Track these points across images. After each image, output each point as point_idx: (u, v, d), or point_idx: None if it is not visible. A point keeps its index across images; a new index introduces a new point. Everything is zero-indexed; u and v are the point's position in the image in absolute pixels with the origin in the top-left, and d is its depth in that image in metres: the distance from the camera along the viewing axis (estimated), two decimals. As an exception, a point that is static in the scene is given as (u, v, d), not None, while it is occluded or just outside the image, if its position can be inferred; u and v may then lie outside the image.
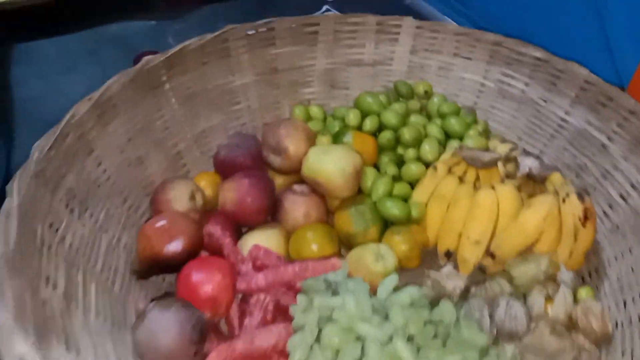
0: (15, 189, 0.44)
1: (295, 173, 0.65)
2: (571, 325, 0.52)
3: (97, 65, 0.93)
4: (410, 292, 0.50)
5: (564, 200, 0.54)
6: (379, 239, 0.61)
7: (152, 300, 0.48)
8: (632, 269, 0.54)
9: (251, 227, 0.62)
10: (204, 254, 0.57)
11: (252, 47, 0.70)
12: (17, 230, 0.41)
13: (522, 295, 0.54)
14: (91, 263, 0.50)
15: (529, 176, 0.59)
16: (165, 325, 0.44)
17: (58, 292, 0.43)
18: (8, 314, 0.35)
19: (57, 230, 0.47)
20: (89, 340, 0.42)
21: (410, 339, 0.47)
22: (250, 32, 0.69)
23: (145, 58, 0.61)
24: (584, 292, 0.54)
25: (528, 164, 0.59)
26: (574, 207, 0.53)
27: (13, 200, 0.43)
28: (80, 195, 0.52)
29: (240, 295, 0.57)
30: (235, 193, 0.59)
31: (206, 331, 0.47)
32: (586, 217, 0.53)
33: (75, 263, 0.47)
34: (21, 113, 0.86)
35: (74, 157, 0.52)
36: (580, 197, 0.53)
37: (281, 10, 0.76)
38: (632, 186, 0.57)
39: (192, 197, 0.60)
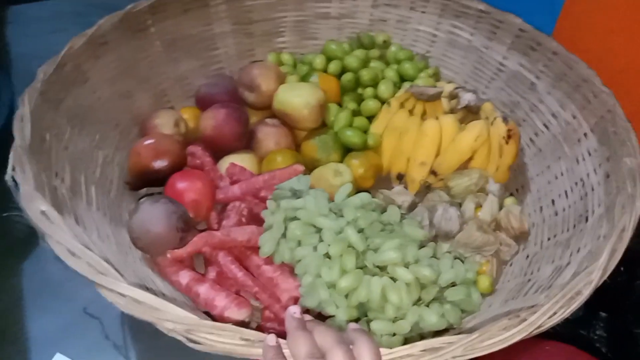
0: (26, 101, 0.52)
1: (267, 109, 0.74)
2: (496, 227, 0.63)
3: (85, 27, 1.01)
4: (361, 196, 0.60)
5: (492, 124, 0.64)
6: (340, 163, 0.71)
7: (143, 197, 0.57)
8: (549, 182, 0.64)
9: (228, 153, 0.71)
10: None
11: (230, -2, 0.78)
12: (31, 130, 0.49)
13: (458, 204, 0.64)
14: (90, 170, 0.58)
15: (468, 108, 0.69)
16: (155, 214, 0.53)
17: (65, 185, 0.51)
18: (30, 185, 0.43)
19: (61, 140, 0.55)
20: (93, 223, 0.51)
21: (360, 231, 0.57)
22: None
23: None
24: (509, 201, 0.64)
25: (467, 97, 0.69)
26: (499, 129, 0.63)
27: (25, 108, 0.51)
28: (79, 116, 0.60)
29: (219, 207, 0.66)
30: (214, 120, 0.68)
31: (190, 223, 0.56)
32: (509, 136, 0.63)
33: (77, 167, 0.56)
34: (15, 68, 0.95)
35: (72, 83, 0.60)
36: (505, 120, 0.63)
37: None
38: (553, 115, 0.67)
39: (177, 124, 0.68)
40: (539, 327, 0.37)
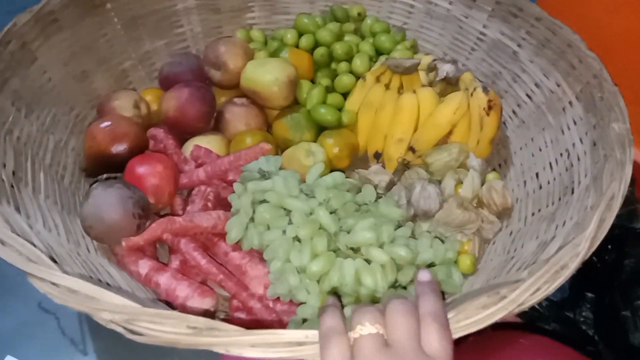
0: (-39, 81, 0.47)
1: (235, 88, 0.70)
2: (478, 204, 0.59)
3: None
4: (334, 176, 0.56)
5: (471, 95, 0.60)
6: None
7: (96, 181, 0.52)
8: (532, 154, 0.61)
9: (194, 136, 0.66)
10: (148, 154, 0.62)
11: (193, -29, 0.74)
12: (-37, 113, 0.44)
13: (437, 181, 0.60)
14: (40, 156, 0.54)
15: (447, 80, 0.65)
16: (109, 200, 0.49)
17: (7, 171, 0.47)
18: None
19: (4, 123, 0.51)
20: (38, 212, 0.47)
21: (333, 212, 0.53)
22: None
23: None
24: (491, 176, 0.60)
25: (445, 69, 0.65)
26: (479, 99, 0.59)
27: (-41, 89, 0.46)
28: (26, 98, 0.55)
29: (185, 193, 0.62)
30: (176, 101, 0.63)
31: (148, 209, 0.52)
32: (490, 107, 0.59)
33: (23, 153, 0.51)
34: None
35: (18, 63, 0.55)
36: (485, 90, 0.60)
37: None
38: (536, 85, 0.63)
39: (136, 106, 0.64)
40: (521, 304, 0.33)
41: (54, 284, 0.32)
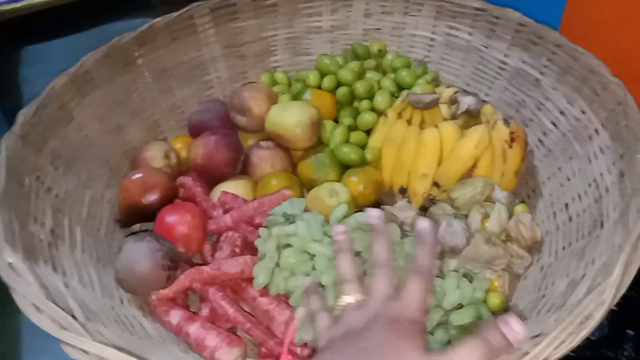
0: (3, 147, 0.51)
1: (261, 131, 0.72)
2: (507, 238, 0.58)
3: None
4: (357, 217, 0.56)
5: (493, 127, 0.60)
6: (339, 182, 0.67)
7: (128, 235, 0.55)
8: (561, 184, 0.59)
9: (222, 181, 0.68)
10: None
11: (217, 22, 0.76)
12: (5, 178, 0.48)
13: (464, 216, 0.59)
14: (77, 211, 0.57)
15: (469, 113, 0.65)
16: (139, 254, 0.51)
17: (45, 230, 0.50)
18: (-2, 236, 0.42)
19: (43, 182, 0.54)
20: (75, 268, 0.49)
21: (357, 255, 0.53)
22: (213, 8, 0.75)
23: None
24: (519, 209, 0.59)
25: (466, 101, 0.65)
26: (500, 132, 0.59)
27: (1, 155, 0.50)
28: (64, 157, 0.59)
29: (215, 238, 0.64)
30: (204, 149, 0.66)
31: (177, 260, 0.54)
32: (512, 140, 0.58)
33: (61, 210, 0.55)
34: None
35: (56, 124, 0.59)
36: (506, 122, 0.59)
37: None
38: (561, 112, 0.62)
39: (166, 156, 0.67)
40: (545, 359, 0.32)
41: (84, 351, 0.34)
